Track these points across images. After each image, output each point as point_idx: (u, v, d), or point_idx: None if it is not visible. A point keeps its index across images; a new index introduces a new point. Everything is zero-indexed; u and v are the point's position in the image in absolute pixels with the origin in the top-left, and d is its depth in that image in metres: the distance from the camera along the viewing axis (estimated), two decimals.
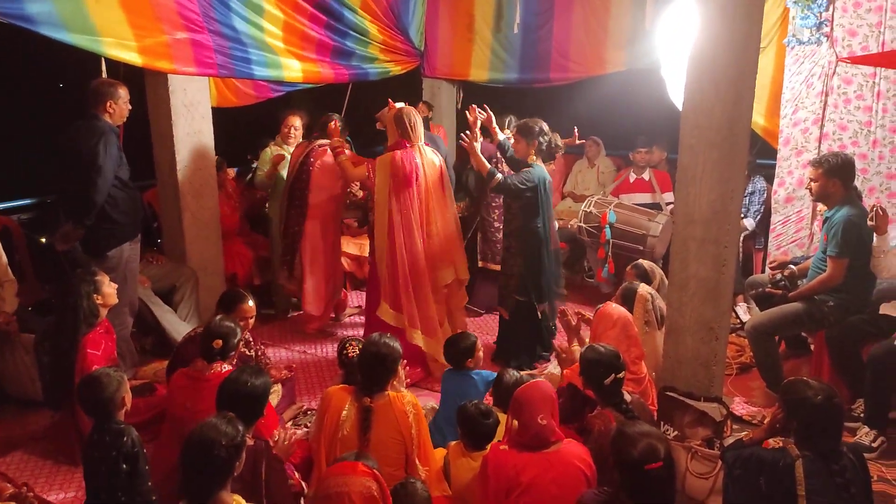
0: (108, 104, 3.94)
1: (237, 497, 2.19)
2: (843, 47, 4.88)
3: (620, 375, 2.84)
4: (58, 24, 3.80)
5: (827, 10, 4.86)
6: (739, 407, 4.00)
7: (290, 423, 3.80)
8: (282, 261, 5.02)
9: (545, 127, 4.42)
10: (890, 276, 3.76)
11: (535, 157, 4.42)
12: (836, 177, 3.82)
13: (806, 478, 2.38)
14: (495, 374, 3.39)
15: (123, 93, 4.03)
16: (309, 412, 3.91)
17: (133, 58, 4.17)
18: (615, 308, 3.58)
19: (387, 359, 2.81)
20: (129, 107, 4.10)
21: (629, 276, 4.09)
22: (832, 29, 4.89)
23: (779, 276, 4.21)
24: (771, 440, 2.66)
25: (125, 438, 2.65)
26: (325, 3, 5.38)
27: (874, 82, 4.84)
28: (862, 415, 3.67)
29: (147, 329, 4.64)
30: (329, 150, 4.74)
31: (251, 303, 3.58)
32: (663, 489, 2.11)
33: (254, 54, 4.90)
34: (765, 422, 2.87)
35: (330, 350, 4.86)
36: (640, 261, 4.29)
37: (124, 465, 2.62)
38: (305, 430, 3.65)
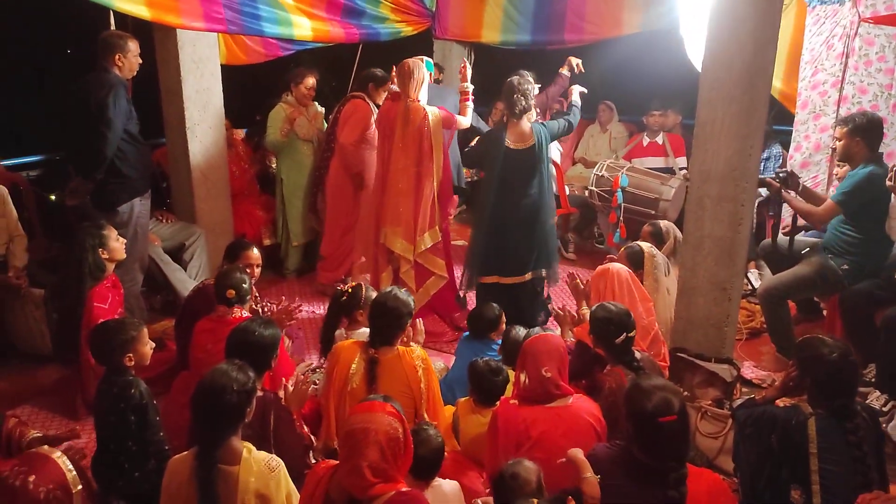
0: (118, 57, 3.89)
1: (247, 444, 2.19)
2: (866, 6, 4.74)
3: (631, 334, 2.82)
4: None
5: None
6: (749, 371, 3.98)
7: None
8: (310, 192, 5.23)
9: (521, 89, 4.05)
10: None
11: (507, 118, 4.16)
12: (861, 136, 3.73)
13: (818, 435, 2.36)
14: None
15: (133, 46, 3.97)
16: (318, 370, 3.91)
17: (141, 11, 4.10)
18: (612, 264, 3.55)
19: (394, 312, 2.80)
20: (140, 60, 4.05)
21: (644, 234, 4.05)
22: None
23: (781, 172, 4.14)
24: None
25: (132, 390, 2.66)
26: None
27: None
28: (874, 379, 3.64)
29: (157, 287, 4.65)
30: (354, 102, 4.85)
31: (256, 251, 3.59)
32: (677, 443, 2.09)
33: (264, 11, 4.82)
34: (776, 383, 2.85)
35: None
36: (659, 221, 4.25)
37: (132, 417, 2.64)
38: (315, 386, 3.65)
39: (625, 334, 2.78)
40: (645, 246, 3.75)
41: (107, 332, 2.68)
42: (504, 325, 3.56)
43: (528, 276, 4.27)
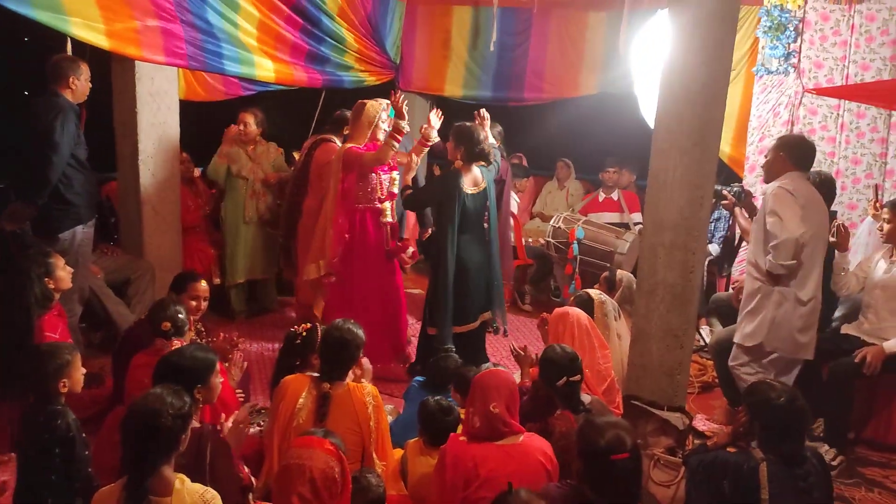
0: (71, 80, 3.82)
1: (180, 475, 2.06)
2: (809, 78, 5.02)
3: (574, 378, 2.79)
4: None
5: (795, 41, 5.01)
6: (701, 424, 3.97)
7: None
8: (281, 247, 5.12)
9: (479, 134, 4.14)
10: (849, 293, 3.80)
11: (462, 163, 4.15)
12: (784, 151, 3.56)
13: (770, 481, 2.35)
14: None
15: (85, 69, 3.92)
16: (262, 411, 3.76)
17: (100, 41, 4.05)
18: (571, 309, 3.55)
19: (350, 344, 2.72)
20: (90, 84, 3.99)
21: (600, 280, 4.08)
22: (799, 60, 5.04)
23: (736, 187, 4.23)
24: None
25: (59, 421, 2.49)
26: (302, 6, 5.36)
27: (838, 114, 4.99)
28: (822, 434, 3.67)
29: (97, 322, 4.46)
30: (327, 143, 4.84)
31: (203, 283, 3.49)
32: (628, 482, 2.04)
33: (226, 49, 4.82)
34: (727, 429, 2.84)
35: None
36: (616, 269, 4.30)
37: (58, 450, 2.47)
38: (259, 428, 3.50)
39: (566, 378, 2.75)
40: (594, 293, 3.77)
41: (40, 356, 2.53)
42: None
43: (479, 322, 4.26)
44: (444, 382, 3.35)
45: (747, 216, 4.25)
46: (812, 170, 4.12)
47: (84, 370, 2.69)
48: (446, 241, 4.09)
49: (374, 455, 2.67)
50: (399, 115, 4.29)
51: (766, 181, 3.66)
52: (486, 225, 4.23)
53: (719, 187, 4.28)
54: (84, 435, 2.60)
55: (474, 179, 4.16)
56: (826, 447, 3.54)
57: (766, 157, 3.70)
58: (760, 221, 3.47)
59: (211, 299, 3.79)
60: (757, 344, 3.49)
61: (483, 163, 4.17)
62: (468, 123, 4.19)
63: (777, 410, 2.39)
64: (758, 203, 5.07)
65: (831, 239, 3.65)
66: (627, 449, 2.02)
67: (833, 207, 4.89)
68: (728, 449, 2.60)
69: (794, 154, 3.49)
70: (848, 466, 3.55)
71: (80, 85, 3.87)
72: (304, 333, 3.21)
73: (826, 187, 3.89)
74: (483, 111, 4.54)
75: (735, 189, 4.23)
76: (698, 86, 3.01)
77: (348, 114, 4.98)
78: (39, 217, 3.76)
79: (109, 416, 3.14)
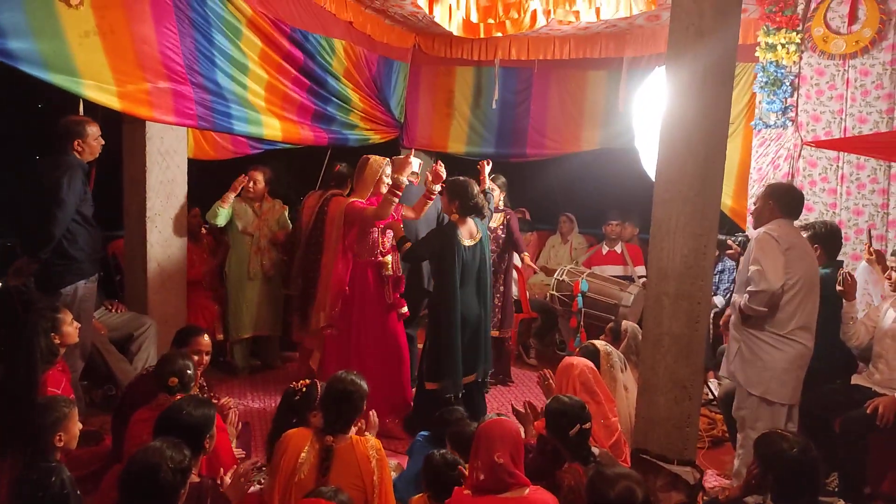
0: (77, 142, 3.90)
1: None
2: (807, 131, 5.09)
3: (586, 426, 2.75)
4: (39, 62, 3.78)
5: (792, 96, 5.10)
6: (712, 479, 3.88)
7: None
8: (297, 307, 5.01)
9: (472, 188, 4.19)
10: (859, 343, 3.75)
11: (458, 216, 4.20)
12: (773, 200, 3.65)
13: None
14: None
15: (93, 130, 4.00)
16: (263, 468, 3.69)
17: (113, 102, 4.14)
18: (577, 359, 3.51)
19: (353, 395, 2.69)
20: (102, 142, 4.06)
21: (606, 331, 4.06)
22: (797, 114, 5.12)
23: (741, 236, 4.22)
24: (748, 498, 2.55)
25: (52, 478, 2.45)
26: (309, 68, 5.50)
27: (838, 166, 5.03)
28: (836, 489, 3.58)
29: (99, 380, 4.43)
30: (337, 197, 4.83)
31: (206, 338, 3.47)
32: None
33: (235, 109, 4.93)
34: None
35: None
36: (623, 321, 4.28)
37: None
38: (259, 486, 3.43)
39: (579, 426, 2.71)
40: (600, 344, 3.75)
41: (37, 409, 2.51)
42: None
43: (477, 375, 4.23)
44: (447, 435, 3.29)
45: None
46: (817, 220, 4.16)
47: (81, 426, 2.66)
48: (448, 292, 4.09)
49: None
50: (435, 179, 4.32)
51: (755, 227, 3.73)
52: (483, 276, 4.25)
53: (724, 237, 4.29)
54: (79, 493, 2.56)
55: (470, 232, 4.20)
56: (841, 502, 3.44)
57: (754, 203, 3.76)
58: (746, 265, 3.50)
59: (213, 355, 3.78)
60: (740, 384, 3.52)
61: (477, 215, 4.23)
62: (462, 178, 4.26)
63: (790, 462, 2.34)
64: None
65: (838, 288, 3.64)
66: (639, 501, 1.98)
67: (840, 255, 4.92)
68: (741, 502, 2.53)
69: (782, 201, 3.55)
70: None
71: (88, 145, 3.95)
72: (304, 389, 3.18)
73: (832, 237, 3.91)
74: (487, 161, 4.65)
75: (740, 238, 4.25)
76: (699, 135, 3.05)
77: (345, 169, 5.11)
78: (42, 272, 3.77)
79: (108, 475, 3.08)
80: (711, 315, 5.28)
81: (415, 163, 4.57)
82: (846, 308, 3.68)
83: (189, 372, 3.01)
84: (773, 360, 3.42)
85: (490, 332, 4.40)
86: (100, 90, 4.06)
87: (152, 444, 2.06)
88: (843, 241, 4.07)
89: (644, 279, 5.68)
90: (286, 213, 5.48)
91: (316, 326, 4.37)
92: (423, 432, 3.57)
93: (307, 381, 3.31)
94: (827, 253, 3.86)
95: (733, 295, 3.63)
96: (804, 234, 3.82)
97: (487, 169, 4.62)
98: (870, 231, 4.75)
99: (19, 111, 5.72)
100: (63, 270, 3.83)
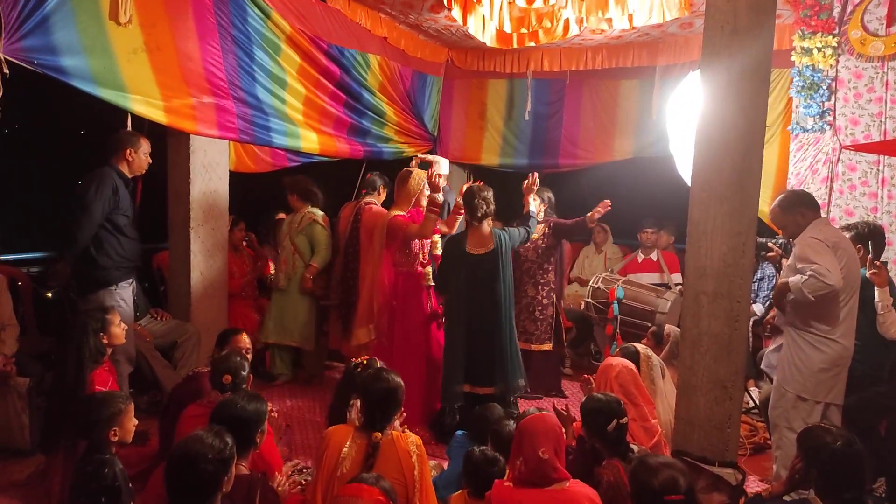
0: (128, 152, 4.04)
1: None
2: (846, 135, 5.03)
3: (623, 421, 2.75)
4: (90, 78, 3.94)
5: (829, 99, 5.05)
6: (754, 485, 3.82)
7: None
8: (338, 317, 5.13)
9: (481, 195, 4.21)
10: None
11: (468, 224, 4.28)
12: (861, 243, 3.74)
13: None
14: None
15: (145, 144, 4.14)
16: (305, 470, 3.75)
17: (159, 116, 4.29)
18: (616, 360, 3.51)
19: (396, 391, 2.75)
20: (150, 160, 4.19)
21: (647, 335, 4.04)
22: (835, 118, 5.06)
23: (781, 239, 4.13)
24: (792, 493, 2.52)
25: (106, 470, 2.54)
26: (345, 82, 5.62)
27: (878, 169, 4.95)
28: (884, 495, 3.50)
29: (144, 386, 4.55)
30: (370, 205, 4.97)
31: (246, 337, 3.58)
32: None
33: (274, 123, 5.06)
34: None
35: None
36: (666, 325, 4.26)
37: (103, 499, 2.50)
38: (300, 487, 3.48)
39: (616, 421, 2.71)
40: (640, 347, 3.73)
41: (94, 403, 2.60)
42: None
43: (496, 388, 4.16)
44: (486, 434, 3.32)
45: None
46: (860, 220, 4.10)
47: (136, 422, 2.75)
48: (450, 301, 4.16)
49: None
50: (434, 188, 4.38)
51: (790, 237, 3.73)
52: (495, 285, 4.15)
53: (764, 240, 4.26)
54: (130, 486, 2.63)
55: (481, 240, 4.18)
56: None
57: (775, 222, 3.78)
58: (793, 269, 3.46)
59: (252, 363, 3.85)
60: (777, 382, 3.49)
61: (488, 223, 4.22)
62: (475, 184, 4.30)
63: (834, 455, 2.31)
64: None
65: (868, 273, 3.58)
66: (682, 490, 1.99)
67: (882, 258, 4.83)
68: (784, 498, 2.50)
69: (802, 205, 3.58)
70: None
71: (138, 157, 4.09)
72: (365, 363, 3.25)
73: (876, 237, 3.85)
74: (535, 175, 4.65)
75: (780, 241, 4.20)
76: (735, 134, 3.06)
77: (377, 177, 5.24)
78: (75, 276, 3.91)
79: (155, 472, 3.16)
80: (751, 323, 5.21)
81: (443, 163, 4.65)
82: (879, 296, 3.61)
83: (243, 372, 3.09)
84: (810, 359, 3.39)
85: (516, 345, 4.29)
86: (147, 105, 4.21)
87: (195, 434, 2.12)
88: (885, 241, 3.99)
89: (680, 286, 5.64)
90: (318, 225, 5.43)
91: (363, 341, 4.40)
92: (459, 430, 3.59)
93: (366, 357, 3.38)
94: (870, 253, 3.80)
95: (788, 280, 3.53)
96: (847, 235, 3.78)
97: (535, 183, 4.60)
98: None
99: (67, 134, 5.95)
100: (88, 276, 3.95)
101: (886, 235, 4.83)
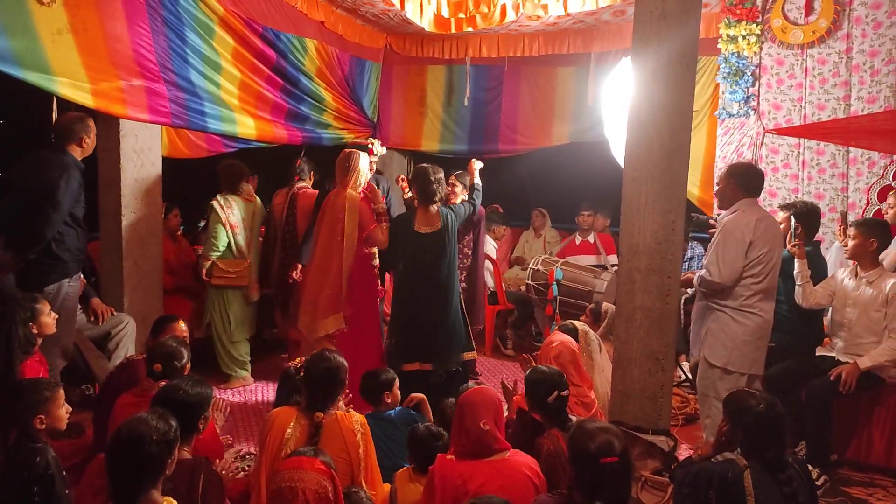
0: (83, 138, 3.90)
1: (168, 498, 2.05)
2: (769, 120, 5.27)
3: (564, 393, 2.84)
4: (12, 60, 3.78)
5: (753, 85, 5.27)
6: (686, 453, 3.98)
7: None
8: (277, 301, 5.11)
9: (430, 175, 4.20)
10: (815, 303, 3.84)
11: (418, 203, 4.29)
12: (735, 180, 3.73)
13: (754, 487, 2.38)
14: (413, 413, 3.35)
15: (93, 126, 4.01)
16: (248, 456, 3.72)
17: (86, 99, 4.15)
18: (558, 337, 3.61)
19: (339, 370, 2.75)
20: (95, 140, 4.07)
21: (586, 313, 4.16)
22: (759, 103, 5.29)
23: (718, 214, 4.29)
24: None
25: (38, 459, 2.46)
26: (282, 67, 5.55)
27: (799, 152, 5.21)
28: (804, 456, 3.71)
29: (77, 378, 4.41)
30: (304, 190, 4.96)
31: (183, 324, 3.49)
32: (618, 485, 2.07)
33: (209, 108, 4.95)
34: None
35: (270, 393, 4.73)
36: (604, 302, 4.38)
37: (35, 488, 2.43)
38: (243, 473, 3.46)
39: (557, 392, 2.79)
40: (579, 324, 3.84)
41: (18, 391, 2.52)
42: (398, 392, 3.40)
43: (435, 366, 4.17)
44: (376, 395, 3.33)
45: None
46: (798, 200, 4.29)
47: (70, 409, 2.67)
48: (398, 281, 4.23)
49: (363, 484, 2.66)
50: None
51: (720, 208, 3.89)
52: (442, 263, 4.17)
53: (705, 216, 4.40)
54: (64, 473, 2.56)
55: (429, 219, 4.20)
56: (810, 468, 3.57)
57: (717, 184, 3.88)
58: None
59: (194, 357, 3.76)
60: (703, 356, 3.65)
61: (437, 203, 4.24)
62: (424, 165, 4.31)
63: (757, 417, 2.44)
64: None
65: (788, 246, 3.78)
66: (617, 453, 2.06)
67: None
68: (713, 459, 2.63)
69: (743, 180, 3.65)
70: (832, 486, 3.58)
71: (90, 142, 3.95)
72: (300, 364, 3.23)
73: (812, 216, 4.00)
74: (477, 162, 4.74)
75: (722, 216, 4.37)
76: (664, 115, 3.18)
77: (306, 163, 5.32)
78: (27, 269, 3.75)
79: (92, 463, 3.08)
80: (682, 300, 5.41)
81: (376, 144, 4.70)
82: (798, 267, 3.81)
83: (180, 359, 3.02)
84: (733, 332, 3.53)
85: (460, 322, 4.31)
86: (73, 87, 4.07)
87: (138, 416, 2.08)
88: (820, 220, 4.17)
89: (616, 267, 5.81)
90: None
91: (331, 330, 4.29)
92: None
93: (301, 359, 3.35)
94: (806, 232, 3.96)
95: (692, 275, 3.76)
96: (784, 214, 3.97)
97: (478, 165, 4.71)
98: (845, 214, 4.93)
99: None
100: (48, 269, 3.79)
101: None
